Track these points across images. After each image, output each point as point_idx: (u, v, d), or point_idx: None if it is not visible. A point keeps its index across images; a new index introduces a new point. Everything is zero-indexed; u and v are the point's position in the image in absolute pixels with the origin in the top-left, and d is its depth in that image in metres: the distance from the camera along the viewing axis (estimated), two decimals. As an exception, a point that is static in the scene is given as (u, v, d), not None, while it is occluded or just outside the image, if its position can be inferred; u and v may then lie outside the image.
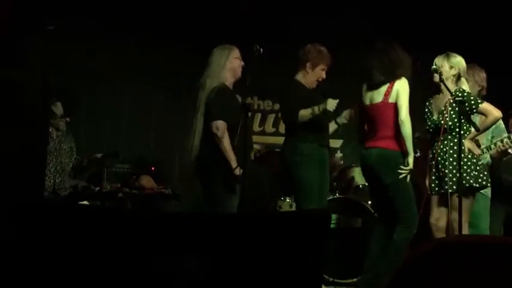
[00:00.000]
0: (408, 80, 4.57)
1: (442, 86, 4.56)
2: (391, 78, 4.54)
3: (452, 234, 4.38)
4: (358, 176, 6.03)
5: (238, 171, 4.46)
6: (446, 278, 1.55)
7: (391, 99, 4.53)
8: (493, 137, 4.96)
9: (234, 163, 4.48)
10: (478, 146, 4.75)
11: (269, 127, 7.50)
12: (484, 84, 5.06)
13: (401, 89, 4.51)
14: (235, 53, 4.68)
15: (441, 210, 4.54)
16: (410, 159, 4.44)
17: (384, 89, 4.57)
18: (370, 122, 4.68)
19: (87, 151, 5.80)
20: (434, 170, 4.59)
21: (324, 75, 4.92)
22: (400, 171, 4.44)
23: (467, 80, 4.68)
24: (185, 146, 4.61)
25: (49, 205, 2.50)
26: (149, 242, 1.90)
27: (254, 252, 1.92)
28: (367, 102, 4.66)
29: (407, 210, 4.49)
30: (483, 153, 4.80)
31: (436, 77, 4.53)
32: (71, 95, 5.64)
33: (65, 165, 5.37)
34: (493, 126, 4.72)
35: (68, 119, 5.44)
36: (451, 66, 4.59)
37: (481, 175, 4.48)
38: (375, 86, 4.62)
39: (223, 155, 4.47)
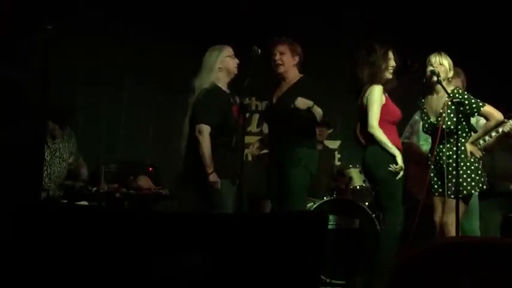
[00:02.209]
0: (388, 84, 4.62)
1: (438, 87, 4.56)
2: (366, 83, 4.58)
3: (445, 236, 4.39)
4: (355, 177, 6.05)
5: (213, 178, 4.44)
6: (444, 279, 1.56)
7: (364, 103, 4.58)
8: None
9: (209, 168, 4.45)
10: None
11: (267, 128, 7.49)
12: (465, 85, 5.09)
13: (370, 95, 4.54)
14: (227, 52, 4.65)
15: (445, 209, 4.56)
16: (398, 159, 4.45)
17: (363, 92, 4.60)
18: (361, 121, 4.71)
19: (85, 150, 5.80)
20: (436, 171, 4.59)
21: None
22: (390, 168, 4.45)
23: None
24: (177, 149, 4.64)
25: (47, 205, 2.51)
26: (148, 242, 1.91)
27: (253, 252, 1.93)
28: (359, 103, 4.69)
29: (391, 206, 4.52)
30: (480, 144, 4.81)
31: (434, 78, 4.53)
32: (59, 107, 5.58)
33: (59, 173, 5.36)
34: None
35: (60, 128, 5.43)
36: (449, 68, 4.61)
37: (482, 179, 4.49)
38: (355, 90, 4.66)
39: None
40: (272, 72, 4.89)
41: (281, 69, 4.81)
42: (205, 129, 4.47)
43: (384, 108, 4.55)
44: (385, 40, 4.72)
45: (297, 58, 4.84)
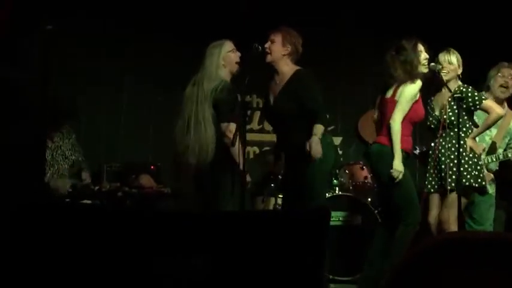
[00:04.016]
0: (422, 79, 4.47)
1: (443, 82, 4.54)
2: (399, 78, 4.47)
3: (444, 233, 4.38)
4: (357, 173, 6.04)
5: (248, 177, 4.46)
6: (448, 275, 1.55)
7: (397, 97, 4.46)
8: (510, 139, 4.97)
9: (246, 165, 4.42)
10: (495, 148, 4.75)
11: (268, 125, 7.48)
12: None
13: (405, 89, 4.41)
14: (228, 46, 4.62)
15: (445, 205, 4.54)
16: (396, 161, 4.34)
17: (394, 88, 4.52)
18: (381, 116, 4.61)
19: (86, 150, 5.80)
20: (433, 167, 4.57)
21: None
22: (391, 173, 4.37)
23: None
24: (192, 147, 4.55)
25: (49, 204, 2.51)
26: (149, 242, 1.91)
27: (255, 250, 1.93)
28: (385, 95, 4.59)
29: (408, 208, 4.43)
30: (498, 158, 4.80)
31: (438, 74, 4.51)
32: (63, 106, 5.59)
33: (63, 171, 5.37)
34: (510, 127, 4.74)
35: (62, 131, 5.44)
36: (459, 65, 4.58)
37: (481, 175, 4.46)
38: (388, 83, 4.57)
39: (233, 158, 4.45)
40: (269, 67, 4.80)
41: (268, 58, 4.58)
42: (235, 128, 4.40)
43: (415, 106, 4.44)
44: (411, 34, 4.63)
45: (288, 48, 4.57)
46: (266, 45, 4.58)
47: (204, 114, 4.51)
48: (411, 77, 4.43)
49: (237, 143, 4.35)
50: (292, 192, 4.68)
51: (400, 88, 4.44)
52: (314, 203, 4.47)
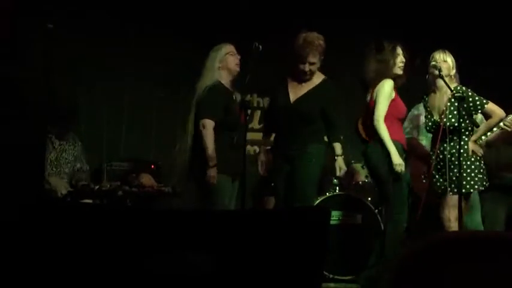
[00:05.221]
0: (398, 80, 4.58)
1: (440, 84, 4.56)
2: (374, 79, 4.56)
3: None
4: (358, 172, 6.05)
5: (212, 172, 4.45)
6: (444, 274, 1.56)
7: (374, 98, 4.57)
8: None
9: (211, 162, 4.47)
10: None
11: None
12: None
13: (380, 89, 4.52)
14: (227, 49, 4.65)
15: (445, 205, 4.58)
16: (393, 156, 4.42)
17: (371, 88, 4.60)
18: (369, 121, 4.68)
19: (88, 149, 5.81)
20: (441, 169, 4.59)
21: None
22: (393, 169, 4.44)
23: None
24: (180, 147, 4.63)
25: (49, 204, 2.51)
26: (151, 241, 1.91)
27: (255, 249, 1.93)
28: (367, 98, 4.68)
29: (398, 205, 4.52)
30: (481, 139, 4.82)
31: (436, 73, 4.53)
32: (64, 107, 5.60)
33: (64, 175, 5.37)
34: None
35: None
36: (453, 66, 4.61)
37: (485, 177, 4.52)
38: (365, 85, 4.67)
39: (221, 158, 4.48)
40: (278, 68, 4.84)
41: (309, 78, 4.74)
42: (209, 123, 4.49)
43: (393, 104, 4.53)
44: (393, 36, 4.69)
45: (322, 58, 4.74)
46: (307, 69, 4.65)
47: (191, 115, 4.58)
48: (383, 76, 4.53)
49: (208, 139, 4.45)
50: (287, 192, 4.75)
51: (375, 90, 4.54)
52: (303, 204, 4.57)
